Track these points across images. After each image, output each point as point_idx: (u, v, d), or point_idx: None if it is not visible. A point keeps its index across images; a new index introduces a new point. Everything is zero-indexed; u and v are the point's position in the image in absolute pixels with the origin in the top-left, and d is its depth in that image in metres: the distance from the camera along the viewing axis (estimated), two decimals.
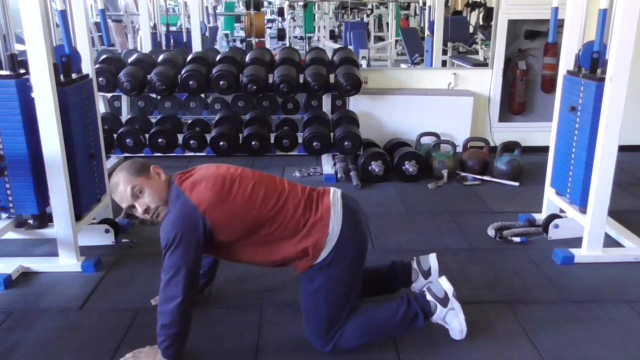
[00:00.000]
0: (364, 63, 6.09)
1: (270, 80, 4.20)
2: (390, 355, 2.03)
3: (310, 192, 2.02)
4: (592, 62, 2.74)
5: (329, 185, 3.03)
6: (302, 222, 1.92)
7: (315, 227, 1.92)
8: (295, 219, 1.92)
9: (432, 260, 2.29)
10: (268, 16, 10.80)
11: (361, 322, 2.00)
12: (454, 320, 2.05)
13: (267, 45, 8.14)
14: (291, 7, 10.15)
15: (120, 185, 1.93)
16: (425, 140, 4.44)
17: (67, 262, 2.66)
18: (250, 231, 1.91)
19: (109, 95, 4.57)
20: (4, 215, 2.76)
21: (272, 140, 4.16)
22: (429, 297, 2.04)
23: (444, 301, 2.03)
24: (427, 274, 2.27)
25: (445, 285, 2.05)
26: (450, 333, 2.08)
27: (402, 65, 7.01)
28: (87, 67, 2.90)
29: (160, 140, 4.05)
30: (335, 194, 2.02)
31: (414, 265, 2.31)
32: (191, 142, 4.08)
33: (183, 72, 4.11)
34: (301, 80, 4.22)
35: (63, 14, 2.68)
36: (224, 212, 1.86)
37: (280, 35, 9.50)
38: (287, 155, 4.23)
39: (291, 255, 1.94)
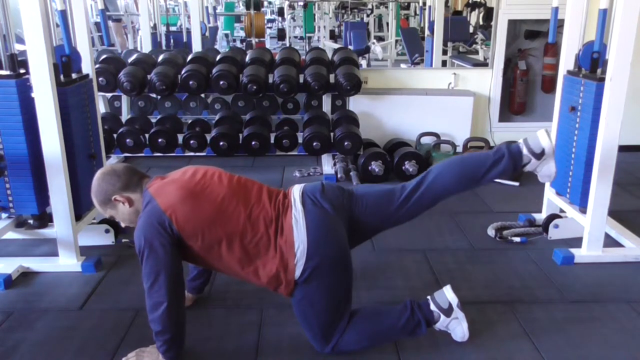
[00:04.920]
0: (364, 63, 6.09)
1: (270, 80, 4.20)
2: (390, 355, 2.03)
3: (278, 207, 1.95)
4: (592, 62, 2.74)
5: None
6: (273, 243, 1.88)
7: (283, 249, 1.87)
8: (266, 238, 1.88)
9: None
10: (268, 16, 10.79)
11: (362, 327, 1.99)
12: (457, 328, 2.05)
13: (267, 45, 8.13)
14: (291, 7, 10.13)
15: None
16: (425, 140, 4.44)
17: (67, 262, 2.66)
18: (219, 241, 1.87)
19: (109, 95, 4.58)
20: (4, 215, 2.76)
21: (272, 140, 4.16)
22: (432, 307, 2.02)
23: (448, 312, 2.02)
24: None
25: (449, 295, 2.03)
26: (452, 336, 2.08)
27: (402, 65, 7.00)
28: (87, 67, 2.90)
29: (160, 140, 4.05)
30: (295, 205, 1.94)
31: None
32: (191, 142, 4.08)
33: (183, 72, 4.11)
34: (301, 80, 4.22)
35: (63, 14, 2.68)
36: (190, 218, 1.84)
37: (280, 35, 9.49)
38: (287, 155, 4.23)
39: (263, 274, 1.89)
